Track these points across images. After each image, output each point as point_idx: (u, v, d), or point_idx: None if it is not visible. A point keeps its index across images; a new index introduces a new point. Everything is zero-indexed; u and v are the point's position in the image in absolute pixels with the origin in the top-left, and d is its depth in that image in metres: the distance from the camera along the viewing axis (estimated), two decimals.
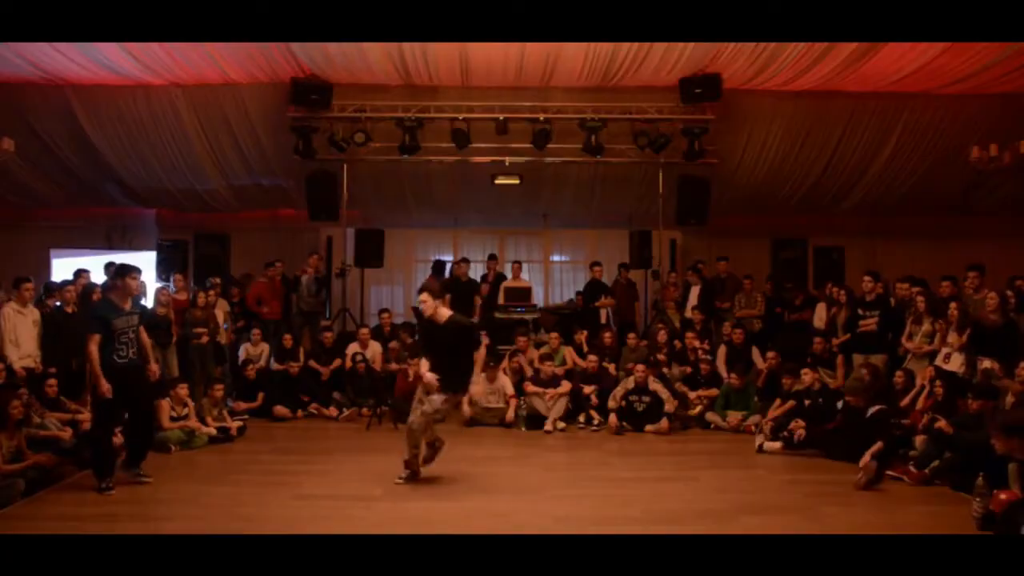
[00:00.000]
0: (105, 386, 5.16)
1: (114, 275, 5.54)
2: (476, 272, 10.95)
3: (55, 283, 7.88)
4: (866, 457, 5.80)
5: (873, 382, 6.88)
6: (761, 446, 6.78)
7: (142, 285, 5.96)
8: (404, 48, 8.43)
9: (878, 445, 5.86)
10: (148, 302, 8.25)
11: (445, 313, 5.59)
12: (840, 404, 6.72)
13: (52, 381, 6.50)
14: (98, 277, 8.33)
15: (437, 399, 5.40)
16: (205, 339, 8.20)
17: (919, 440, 6.07)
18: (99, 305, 5.46)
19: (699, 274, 9.79)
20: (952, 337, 6.66)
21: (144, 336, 5.61)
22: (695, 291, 9.69)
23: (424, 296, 5.59)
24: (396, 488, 5.49)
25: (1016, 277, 7.20)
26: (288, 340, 8.74)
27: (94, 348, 5.17)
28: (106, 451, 5.42)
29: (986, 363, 6.26)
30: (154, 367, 5.66)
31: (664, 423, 7.46)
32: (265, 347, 8.85)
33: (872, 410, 6.33)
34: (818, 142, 10.05)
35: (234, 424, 7.23)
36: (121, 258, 9.77)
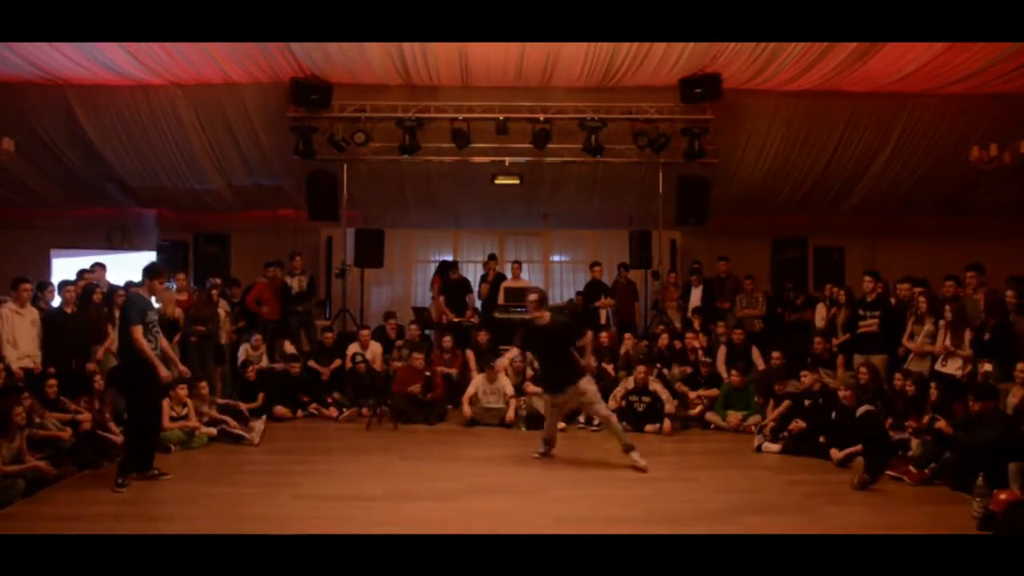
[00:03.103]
0: (165, 371, 5.56)
1: (144, 274, 5.80)
2: (476, 272, 10.97)
3: (47, 282, 7.88)
4: (839, 454, 6.15)
5: (871, 383, 6.91)
6: (760, 446, 6.78)
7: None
8: (404, 48, 8.43)
9: (857, 447, 6.07)
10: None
11: (546, 315, 6.08)
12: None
13: (52, 382, 6.49)
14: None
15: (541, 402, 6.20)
16: (197, 336, 8.24)
17: (915, 442, 6.07)
18: (137, 298, 5.67)
19: (700, 275, 9.80)
20: (948, 339, 6.65)
21: (162, 338, 5.89)
22: (696, 292, 9.71)
23: (535, 297, 6.11)
24: (396, 488, 5.49)
25: (1013, 278, 7.12)
26: (289, 346, 8.78)
27: (140, 338, 5.44)
28: (148, 443, 5.65)
29: (987, 366, 6.25)
30: (178, 369, 6.09)
31: (667, 424, 7.45)
32: (265, 347, 8.85)
33: (860, 410, 6.37)
34: (818, 142, 10.05)
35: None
36: (121, 258, 9.81)
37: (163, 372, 5.54)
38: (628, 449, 6.05)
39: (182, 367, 6.35)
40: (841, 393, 6.58)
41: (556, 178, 10.70)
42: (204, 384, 7.45)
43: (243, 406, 8.06)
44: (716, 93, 9.21)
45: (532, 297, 6.14)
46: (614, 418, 6.34)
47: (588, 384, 6.12)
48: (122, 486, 5.34)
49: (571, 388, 6.02)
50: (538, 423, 7.70)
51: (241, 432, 6.99)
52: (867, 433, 6.14)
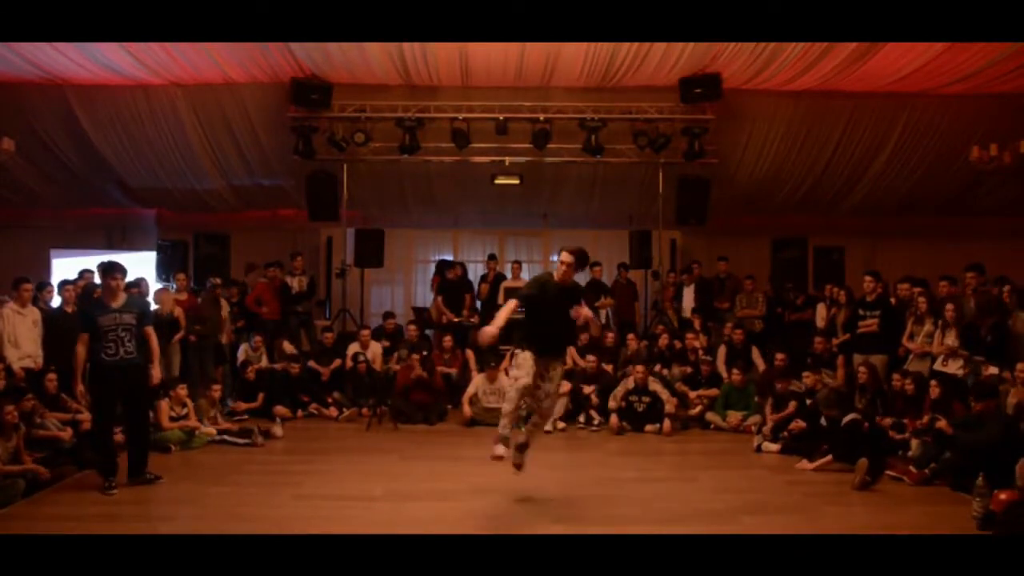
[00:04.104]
0: (79, 386, 5.45)
1: (100, 275, 5.67)
2: (476, 272, 10.98)
3: (46, 282, 7.89)
4: (810, 465, 6.08)
5: (871, 383, 6.90)
6: (759, 446, 6.77)
7: (144, 284, 6.02)
8: (404, 48, 8.43)
9: (827, 459, 6.02)
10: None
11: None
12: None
13: (51, 376, 6.50)
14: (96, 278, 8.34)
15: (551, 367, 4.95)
16: (196, 336, 8.23)
17: (915, 442, 6.07)
18: (87, 304, 5.52)
19: (691, 275, 9.79)
20: (949, 338, 6.65)
21: (151, 338, 5.64)
22: (688, 292, 9.71)
23: (568, 258, 4.93)
24: (396, 488, 5.49)
25: (1006, 281, 7.08)
26: (288, 345, 8.78)
27: (80, 346, 5.35)
28: (108, 449, 5.46)
29: (992, 369, 6.23)
30: (155, 371, 5.64)
31: (667, 424, 7.45)
32: (264, 348, 8.84)
33: (846, 419, 6.29)
34: (818, 142, 10.05)
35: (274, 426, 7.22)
36: (121, 258, 9.79)
37: (77, 385, 5.48)
38: (502, 439, 4.99)
39: (155, 373, 5.85)
40: (824, 412, 6.49)
41: (556, 178, 10.70)
42: (217, 388, 7.46)
43: (244, 405, 8.11)
44: (716, 93, 9.21)
45: (567, 258, 4.94)
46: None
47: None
48: (110, 488, 5.30)
49: (563, 355, 5.16)
50: None
51: (245, 441, 6.97)
52: (853, 441, 6.03)
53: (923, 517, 4.91)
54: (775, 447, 6.71)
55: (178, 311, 8.16)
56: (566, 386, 7.92)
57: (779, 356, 7.83)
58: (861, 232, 11.23)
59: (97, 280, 8.18)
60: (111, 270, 5.47)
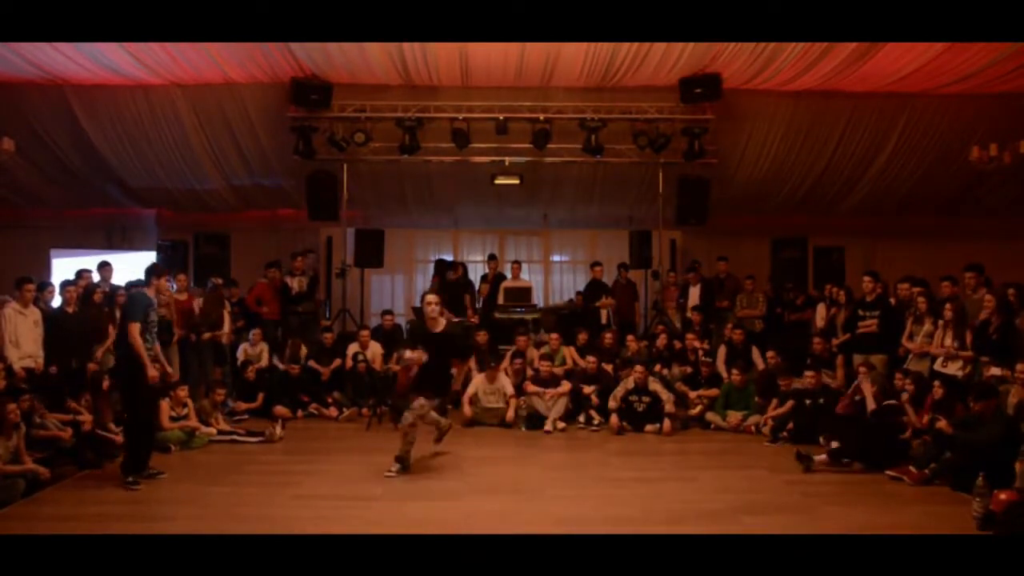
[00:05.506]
0: (153, 372, 5.43)
1: (149, 273, 5.77)
2: (476, 272, 10.97)
3: (47, 282, 7.89)
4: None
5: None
6: (809, 463, 6.07)
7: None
8: (404, 48, 8.43)
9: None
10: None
11: (442, 322, 5.91)
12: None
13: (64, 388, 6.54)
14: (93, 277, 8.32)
15: (421, 403, 5.81)
16: (205, 337, 8.24)
17: (915, 442, 6.06)
18: (140, 296, 5.59)
19: (697, 274, 9.81)
20: (949, 339, 6.64)
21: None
22: (694, 291, 9.71)
23: (434, 299, 5.93)
24: (396, 488, 5.49)
25: (1008, 285, 7.04)
26: (298, 345, 8.79)
27: (136, 335, 5.37)
28: (146, 443, 5.59)
29: (995, 370, 6.21)
30: (169, 368, 5.90)
31: (667, 424, 7.45)
32: (264, 347, 8.84)
33: (884, 403, 6.29)
34: (818, 142, 10.06)
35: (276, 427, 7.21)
36: (121, 258, 9.81)
37: (151, 372, 5.41)
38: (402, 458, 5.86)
39: (169, 369, 6.08)
40: (868, 387, 6.52)
41: (556, 178, 10.70)
42: (222, 392, 7.48)
43: (244, 405, 8.11)
44: (716, 93, 9.21)
45: (433, 299, 5.97)
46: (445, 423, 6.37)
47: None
48: (134, 484, 5.36)
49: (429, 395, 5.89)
50: (538, 423, 7.72)
51: (257, 438, 6.99)
52: (888, 425, 6.07)
53: (923, 517, 4.91)
54: (823, 457, 6.03)
55: (176, 312, 8.14)
56: (566, 386, 7.92)
57: (770, 354, 7.84)
58: (861, 232, 11.24)
59: (96, 278, 8.19)
60: (165, 272, 5.87)
